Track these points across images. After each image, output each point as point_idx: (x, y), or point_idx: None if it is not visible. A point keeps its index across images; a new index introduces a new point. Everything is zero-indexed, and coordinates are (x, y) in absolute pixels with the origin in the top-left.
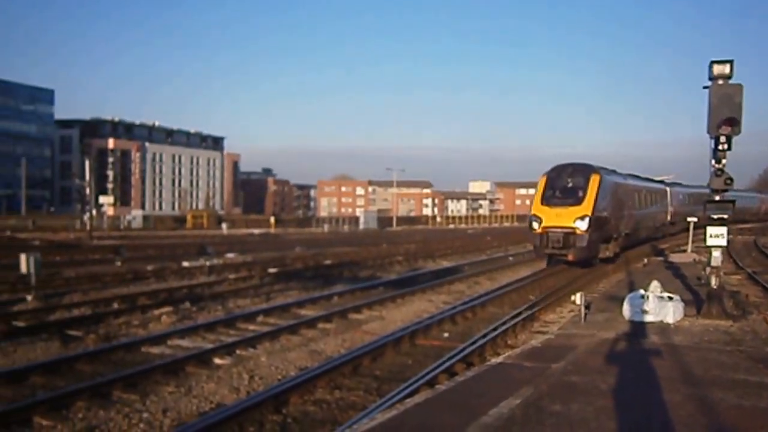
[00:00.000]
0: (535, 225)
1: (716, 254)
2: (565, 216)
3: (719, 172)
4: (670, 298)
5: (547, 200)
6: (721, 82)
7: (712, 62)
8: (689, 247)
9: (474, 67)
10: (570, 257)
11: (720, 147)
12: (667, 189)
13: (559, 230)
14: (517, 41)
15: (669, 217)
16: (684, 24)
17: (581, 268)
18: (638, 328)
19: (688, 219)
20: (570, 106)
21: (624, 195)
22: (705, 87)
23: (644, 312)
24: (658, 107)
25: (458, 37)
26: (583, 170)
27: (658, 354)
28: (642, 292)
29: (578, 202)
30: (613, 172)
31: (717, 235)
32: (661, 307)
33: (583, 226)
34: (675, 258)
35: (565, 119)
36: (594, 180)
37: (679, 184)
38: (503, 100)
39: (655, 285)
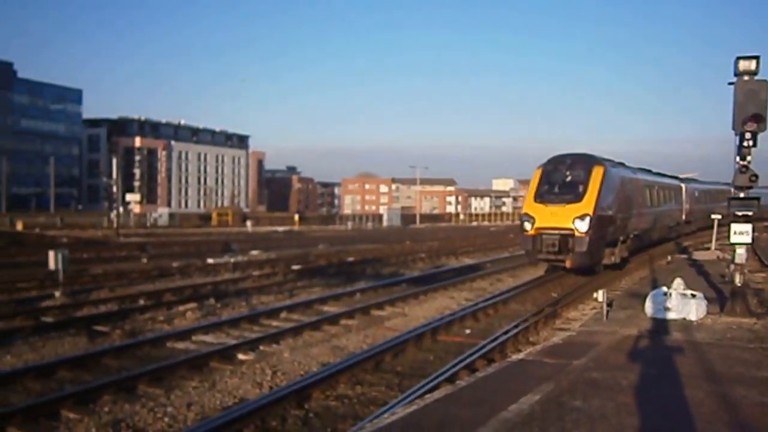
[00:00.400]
0: (527, 226)
1: (740, 251)
2: (561, 215)
3: (744, 169)
4: (693, 296)
5: (541, 197)
6: (746, 78)
7: (738, 58)
8: (713, 245)
9: (498, 63)
10: (567, 264)
11: (745, 144)
12: (682, 185)
13: (554, 232)
14: (541, 36)
15: (684, 216)
16: (713, 19)
17: (582, 276)
18: (661, 325)
19: (712, 216)
20: (595, 103)
21: (632, 191)
22: (730, 83)
23: (667, 309)
24: (686, 104)
25: (481, 33)
26: (585, 162)
27: (680, 351)
28: (665, 289)
29: (578, 198)
30: (621, 164)
31: (741, 233)
32: (684, 305)
33: (582, 227)
34: (699, 255)
35: (589, 116)
36: (597, 173)
37: (696, 181)
38: (527, 96)
39: (678, 282)
